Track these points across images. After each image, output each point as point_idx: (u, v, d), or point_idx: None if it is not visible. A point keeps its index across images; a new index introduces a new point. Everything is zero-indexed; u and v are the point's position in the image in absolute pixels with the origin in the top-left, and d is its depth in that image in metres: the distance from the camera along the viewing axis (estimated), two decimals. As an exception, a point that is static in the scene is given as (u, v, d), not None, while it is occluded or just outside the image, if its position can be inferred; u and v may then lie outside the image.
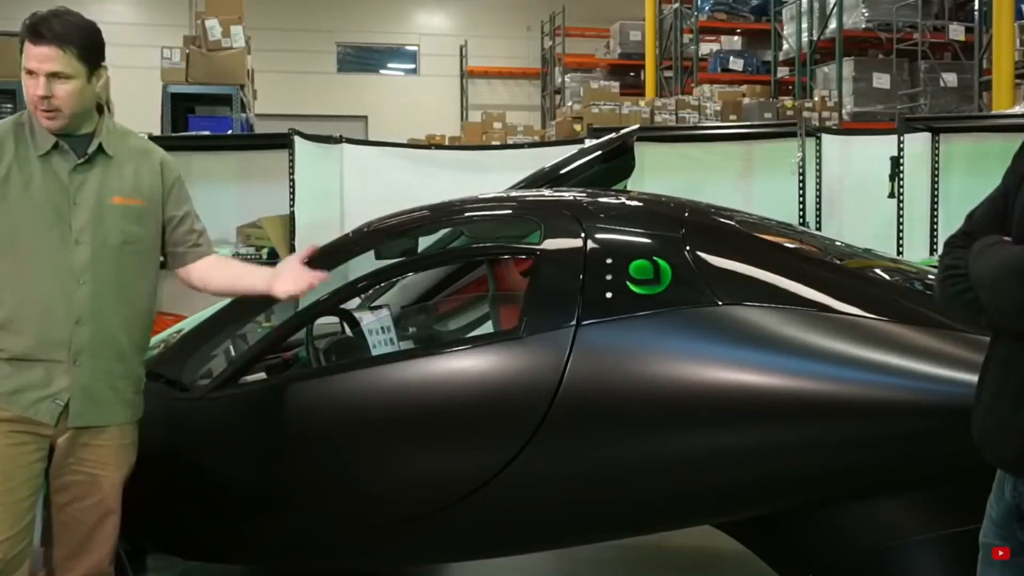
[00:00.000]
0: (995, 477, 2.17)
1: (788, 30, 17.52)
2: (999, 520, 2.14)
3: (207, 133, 9.35)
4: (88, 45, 2.76)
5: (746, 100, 14.98)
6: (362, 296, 3.76)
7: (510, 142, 13.83)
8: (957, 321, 2.83)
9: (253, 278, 3.06)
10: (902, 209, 7.49)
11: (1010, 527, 2.11)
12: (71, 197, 2.78)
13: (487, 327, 4.06)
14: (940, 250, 2.26)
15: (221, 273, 3.06)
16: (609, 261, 3.12)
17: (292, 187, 7.40)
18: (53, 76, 2.71)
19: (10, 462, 2.72)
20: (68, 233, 2.77)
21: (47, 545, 2.88)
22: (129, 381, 2.90)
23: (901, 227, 7.46)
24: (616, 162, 4.35)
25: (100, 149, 2.84)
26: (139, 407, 2.95)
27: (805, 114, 13.57)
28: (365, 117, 24.42)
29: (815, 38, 16.36)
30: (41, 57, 2.70)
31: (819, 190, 7.99)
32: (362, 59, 25.90)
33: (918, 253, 7.17)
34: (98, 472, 2.83)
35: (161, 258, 3.01)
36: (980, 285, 2.05)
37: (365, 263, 3.55)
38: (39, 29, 2.70)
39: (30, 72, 2.72)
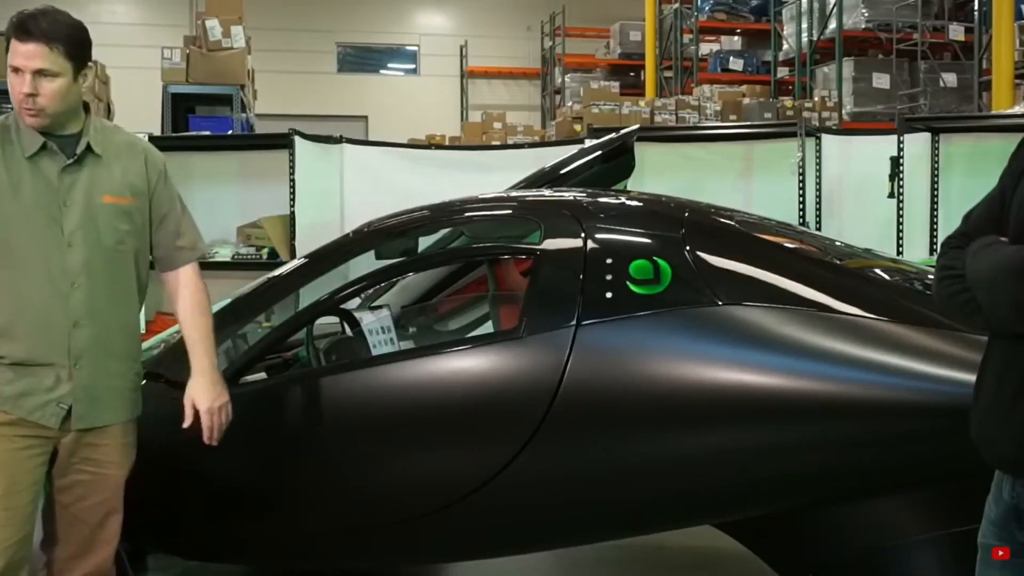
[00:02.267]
0: (993, 478, 2.17)
1: (788, 30, 17.51)
2: (998, 521, 2.14)
3: (207, 133, 9.34)
4: (75, 43, 2.74)
5: (746, 100, 14.97)
6: (362, 296, 3.76)
7: (510, 142, 13.81)
8: (954, 322, 2.83)
9: (192, 345, 2.94)
10: (902, 209, 7.48)
11: (1008, 528, 2.11)
12: (61, 199, 2.76)
13: (487, 327, 4.06)
14: (938, 251, 2.27)
15: (180, 308, 2.97)
16: (609, 261, 3.12)
17: (292, 187, 7.40)
18: (39, 73, 2.68)
19: (15, 467, 2.72)
20: (60, 236, 2.75)
21: (46, 547, 2.88)
22: (128, 379, 2.90)
23: (901, 227, 7.46)
24: (616, 162, 4.35)
25: (88, 148, 2.81)
26: (139, 404, 2.95)
27: (805, 114, 13.55)
28: (365, 117, 24.41)
29: (815, 38, 16.35)
30: (28, 54, 2.67)
31: (819, 190, 7.99)
32: (362, 59, 25.88)
33: (918, 253, 7.17)
34: (102, 471, 2.84)
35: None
36: (977, 285, 2.05)
37: (365, 263, 3.55)
38: (26, 26, 2.68)
39: (16, 70, 2.69)
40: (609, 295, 3.06)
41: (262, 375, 3.54)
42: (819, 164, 8.03)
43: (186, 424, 2.88)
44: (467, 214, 3.69)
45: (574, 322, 3.03)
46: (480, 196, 3.74)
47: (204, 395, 2.89)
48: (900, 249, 7.36)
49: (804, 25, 16.69)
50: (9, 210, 2.72)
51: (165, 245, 2.97)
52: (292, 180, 7.41)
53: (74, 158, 2.79)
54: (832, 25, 15.86)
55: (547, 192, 3.91)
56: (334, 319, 3.92)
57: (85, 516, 2.84)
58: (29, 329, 2.72)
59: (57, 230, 2.75)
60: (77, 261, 2.76)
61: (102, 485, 2.84)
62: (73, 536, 2.84)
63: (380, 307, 3.67)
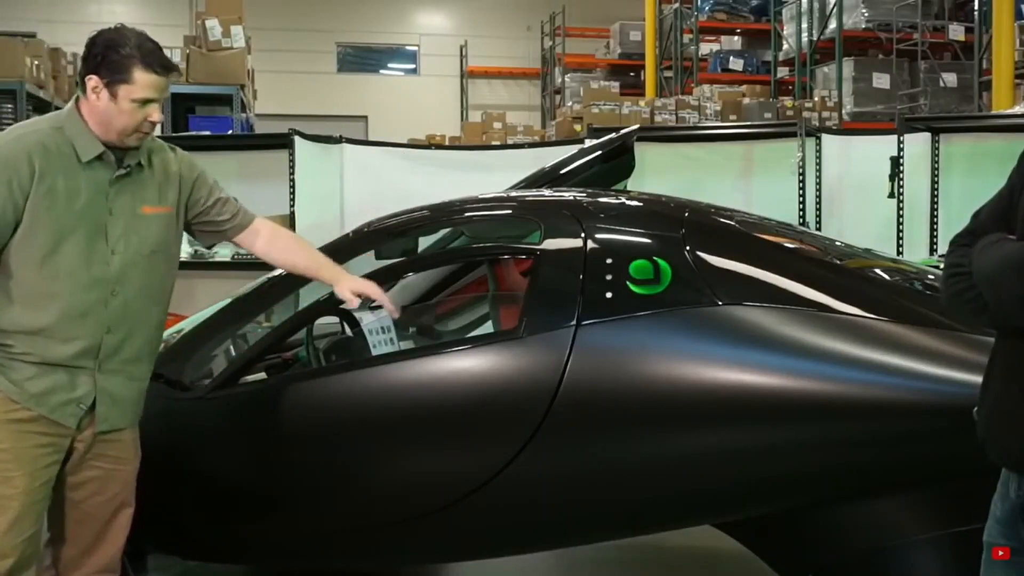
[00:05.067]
0: (1000, 476, 2.17)
1: (788, 30, 17.51)
2: (1004, 519, 2.14)
3: (207, 133, 9.36)
4: None
5: (746, 100, 14.98)
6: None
7: (510, 142, 13.82)
8: (960, 320, 2.83)
9: (319, 268, 3.17)
10: (902, 209, 7.48)
11: (1014, 526, 2.11)
12: (109, 207, 2.80)
13: (487, 327, 4.06)
14: (941, 249, 2.27)
15: (285, 250, 3.18)
16: (609, 261, 3.12)
17: (292, 187, 7.40)
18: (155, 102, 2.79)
19: (34, 463, 2.75)
20: (105, 244, 2.78)
21: (53, 546, 2.90)
22: (146, 382, 2.96)
23: (901, 227, 7.46)
24: (616, 162, 4.35)
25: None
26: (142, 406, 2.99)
27: (805, 114, 13.57)
28: (365, 117, 24.41)
29: (815, 38, 16.36)
30: (163, 87, 2.80)
31: (819, 190, 7.99)
32: (362, 59, 25.89)
33: (918, 253, 7.17)
34: (116, 467, 2.88)
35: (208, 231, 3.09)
36: (983, 282, 2.05)
37: (365, 263, 3.55)
38: (164, 61, 2.80)
39: (147, 101, 2.76)
40: (609, 295, 3.06)
41: (262, 375, 3.54)
42: (819, 164, 8.03)
43: (354, 305, 3.16)
44: (467, 214, 3.69)
45: (574, 322, 3.03)
46: (480, 196, 3.74)
47: (358, 282, 3.14)
48: (900, 249, 7.36)
49: (804, 25, 16.70)
50: (64, 217, 2.73)
51: (229, 212, 3.08)
52: (292, 180, 7.40)
53: (127, 170, 2.82)
54: (832, 25, 15.87)
55: (547, 192, 3.91)
56: (334, 319, 3.92)
57: (97, 512, 2.87)
58: (65, 333, 2.74)
59: (103, 238, 2.78)
60: (118, 269, 2.79)
61: (115, 480, 2.88)
62: (83, 533, 2.87)
63: (380, 307, 3.66)
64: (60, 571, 2.90)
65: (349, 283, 3.13)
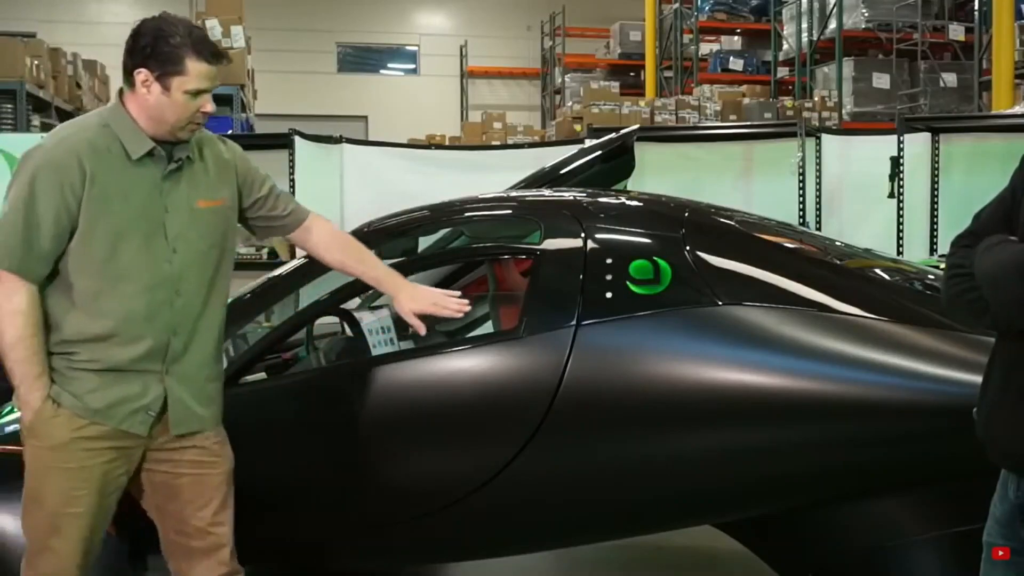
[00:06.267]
0: (999, 477, 2.18)
1: (788, 30, 17.52)
2: (1003, 519, 2.14)
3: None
4: None
5: (746, 100, 15.00)
6: (362, 296, 3.76)
7: (510, 142, 13.83)
8: (961, 321, 2.83)
9: (376, 272, 3.05)
10: (902, 209, 7.48)
11: (1014, 526, 2.12)
12: (163, 204, 2.70)
13: (487, 327, 4.06)
14: (941, 249, 2.27)
15: (339, 251, 3.05)
16: (609, 261, 3.12)
17: (292, 187, 7.39)
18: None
19: (103, 480, 2.68)
20: (165, 242, 2.69)
21: (166, 555, 2.84)
22: (217, 382, 2.88)
23: (901, 227, 7.46)
24: (616, 162, 4.35)
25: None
26: (222, 404, 2.90)
27: (805, 114, 13.59)
28: (365, 117, 24.42)
29: (815, 38, 16.37)
30: (215, 76, 2.69)
31: (819, 190, 7.98)
32: (362, 59, 25.90)
33: (918, 253, 7.16)
34: (203, 471, 2.79)
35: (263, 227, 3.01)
36: (984, 283, 2.05)
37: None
38: (215, 49, 2.69)
39: (199, 92, 2.65)
40: (609, 295, 3.06)
41: (262, 375, 3.54)
42: (819, 164, 8.02)
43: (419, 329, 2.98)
44: (467, 214, 3.69)
45: (574, 322, 3.03)
46: (480, 196, 3.74)
47: (424, 294, 3.02)
48: (900, 249, 7.35)
49: (804, 25, 16.71)
50: (120, 218, 2.64)
51: (284, 206, 2.99)
52: (292, 180, 7.40)
53: (178, 164, 2.73)
54: (832, 25, 15.88)
55: (547, 192, 3.91)
56: (334, 319, 3.92)
57: (194, 519, 2.77)
58: (130, 337, 2.65)
59: (162, 236, 2.69)
60: (179, 267, 2.71)
61: (207, 485, 2.79)
62: (185, 543, 2.79)
63: (380, 307, 3.66)
64: None
65: (410, 302, 2.97)
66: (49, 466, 2.66)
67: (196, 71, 2.64)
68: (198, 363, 2.77)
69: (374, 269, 3.05)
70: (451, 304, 3.00)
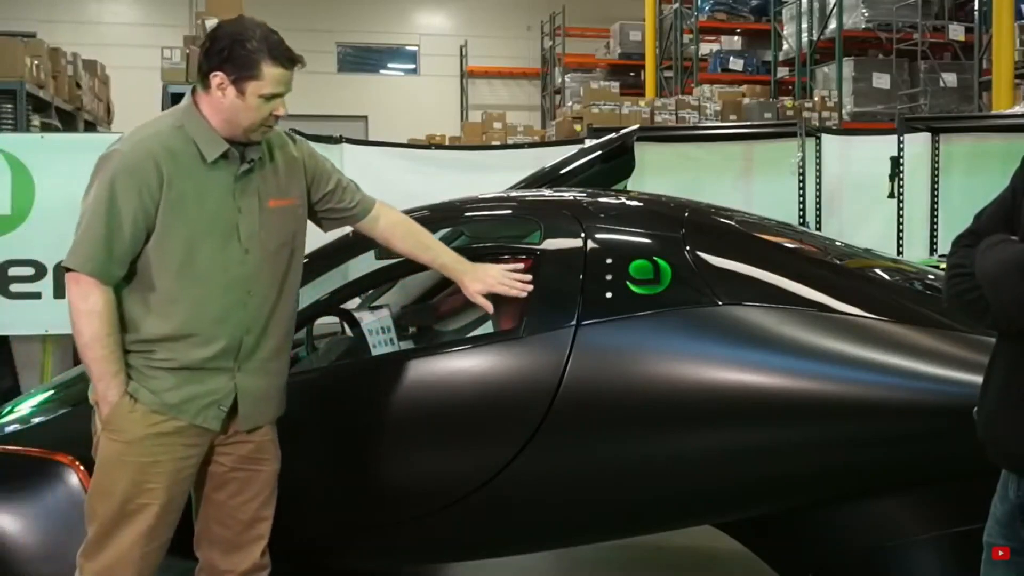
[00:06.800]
0: (999, 477, 2.18)
1: (788, 30, 17.52)
2: (1003, 520, 2.15)
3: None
4: None
5: (746, 100, 14.98)
6: (362, 296, 3.76)
7: (510, 142, 13.81)
8: (961, 321, 2.83)
9: (443, 259, 3.09)
10: (902, 209, 7.48)
11: (1014, 526, 2.12)
12: (237, 205, 2.73)
13: (487, 327, 4.06)
14: (941, 249, 2.27)
15: (405, 238, 3.08)
16: (609, 261, 3.12)
17: (292, 187, 7.38)
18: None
19: (177, 474, 2.73)
20: (238, 244, 2.72)
21: (200, 547, 2.89)
22: (284, 377, 2.92)
23: (901, 227, 7.45)
24: (616, 162, 4.35)
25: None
26: (285, 399, 2.95)
27: (805, 114, 13.57)
28: (365, 117, 24.42)
29: (815, 38, 16.37)
30: (290, 80, 2.72)
31: (819, 190, 7.97)
32: (362, 59, 25.89)
33: (918, 253, 7.16)
34: (256, 467, 2.85)
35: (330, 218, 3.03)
36: (984, 282, 2.06)
37: (365, 263, 3.55)
38: (290, 53, 2.71)
39: (273, 96, 2.68)
40: (609, 295, 3.06)
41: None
42: (819, 164, 8.02)
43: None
44: (467, 214, 3.69)
45: (574, 322, 3.03)
46: (480, 196, 3.74)
47: (490, 274, 3.04)
48: (900, 249, 7.35)
49: (804, 25, 16.71)
50: (195, 221, 2.67)
51: (352, 198, 3.02)
52: (292, 180, 7.38)
53: (250, 165, 2.75)
54: (832, 25, 15.88)
55: (547, 192, 3.91)
56: (334, 319, 3.92)
57: (238, 512, 2.84)
58: (205, 338, 2.70)
59: (235, 238, 2.72)
60: (252, 268, 2.74)
61: (256, 480, 2.85)
62: (225, 534, 2.85)
63: (380, 307, 3.66)
64: (207, 572, 2.88)
65: (476, 283, 3.03)
66: (124, 459, 2.70)
67: (271, 76, 2.67)
68: (268, 359, 2.82)
69: (440, 256, 3.10)
70: (516, 283, 3.04)
